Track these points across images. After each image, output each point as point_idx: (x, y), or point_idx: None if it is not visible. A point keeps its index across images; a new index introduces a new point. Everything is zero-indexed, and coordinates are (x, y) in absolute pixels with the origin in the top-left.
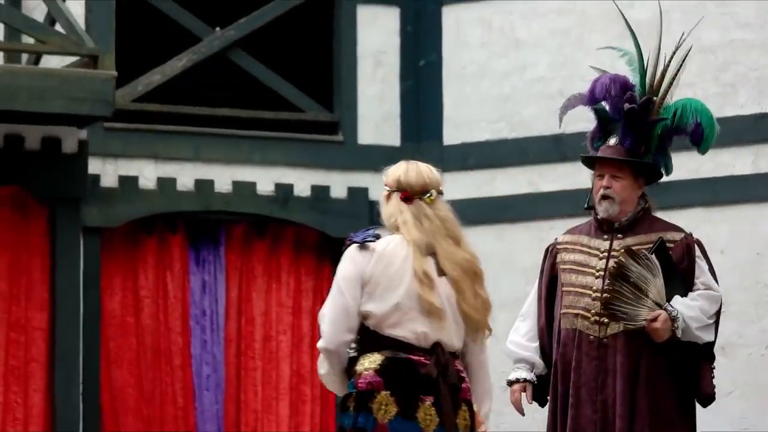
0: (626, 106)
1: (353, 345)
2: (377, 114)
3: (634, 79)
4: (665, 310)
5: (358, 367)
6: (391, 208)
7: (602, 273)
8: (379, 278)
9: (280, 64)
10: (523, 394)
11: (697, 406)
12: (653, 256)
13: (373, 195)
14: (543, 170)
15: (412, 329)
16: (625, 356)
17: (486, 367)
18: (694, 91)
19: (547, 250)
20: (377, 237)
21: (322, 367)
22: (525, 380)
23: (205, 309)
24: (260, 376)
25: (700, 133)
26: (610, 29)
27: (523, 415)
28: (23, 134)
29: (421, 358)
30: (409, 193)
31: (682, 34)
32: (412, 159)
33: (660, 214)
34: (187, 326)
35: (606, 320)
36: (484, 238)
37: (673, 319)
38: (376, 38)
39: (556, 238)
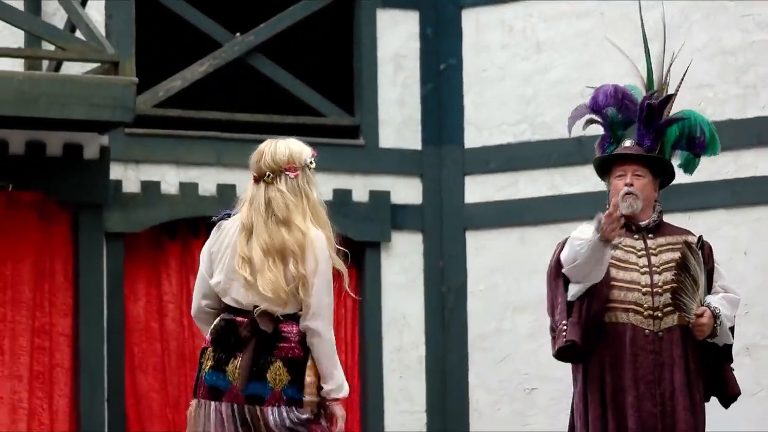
0: (647, 101)
1: None
2: (398, 118)
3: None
4: (708, 307)
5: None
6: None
7: (647, 269)
8: (217, 252)
9: (301, 69)
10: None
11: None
12: (700, 252)
13: (395, 198)
14: (565, 172)
15: (234, 296)
16: (682, 348)
17: (318, 349)
18: (714, 93)
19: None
20: (230, 216)
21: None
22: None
23: None
24: None
25: (704, 143)
26: (631, 31)
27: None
28: (45, 141)
29: (245, 320)
30: (255, 176)
31: (681, 46)
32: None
33: (681, 216)
34: None
35: (660, 314)
36: (506, 241)
37: (716, 317)
38: (397, 42)
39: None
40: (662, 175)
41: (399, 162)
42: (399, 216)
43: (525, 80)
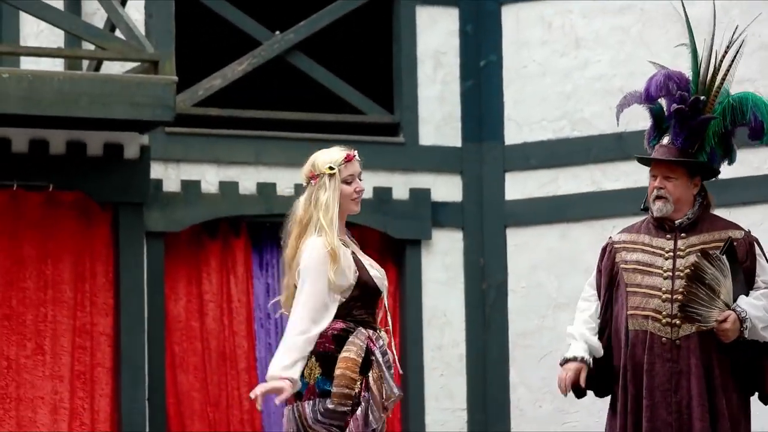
0: (674, 106)
1: None
2: (438, 115)
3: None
4: (734, 310)
5: None
6: None
7: (670, 273)
8: None
9: (341, 67)
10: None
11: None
12: (724, 256)
13: (435, 196)
14: (605, 168)
15: None
16: (699, 357)
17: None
18: (755, 88)
19: (603, 248)
20: None
21: None
22: (582, 359)
23: (269, 312)
24: None
25: (759, 127)
26: (671, 26)
27: (565, 395)
28: (85, 140)
29: None
30: None
31: (735, 29)
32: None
33: (722, 212)
34: (251, 330)
35: (678, 322)
36: (547, 238)
37: (741, 320)
38: (436, 39)
39: (611, 237)
40: (701, 171)
41: (439, 159)
42: (439, 213)
43: (565, 76)
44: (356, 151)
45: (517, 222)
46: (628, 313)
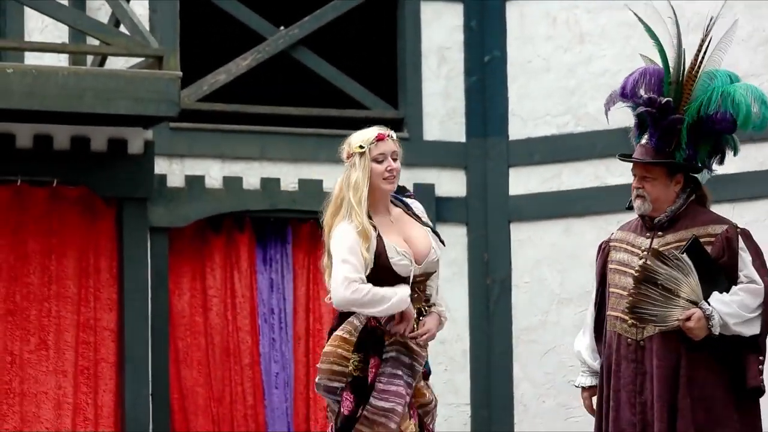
0: (640, 109)
1: None
2: (442, 110)
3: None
4: (700, 308)
5: None
6: None
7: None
8: None
9: (345, 62)
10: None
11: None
12: (684, 255)
13: (439, 191)
14: (609, 164)
15: None
16: (661, 358)
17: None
18: (760, 82)
19: (599, 247)
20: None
21: None
22: (591, 386)
23: (273, 307)
24: None
25: (723, 119)
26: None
27: (594, 416)
28: (89, 136)
29: None
30: None
31: (709, 21)
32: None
33: (726, 207)
34: (255, 325)
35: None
36: (551, 233)
37: (707, 318)
38: (440, 34)
39: (611, 234)
40: (682, 168)
41: (443, 154)
42: (443, 208)
43: (569, 71)
44: (391, 131)
45: (521, 217)
46: (607, 313)
